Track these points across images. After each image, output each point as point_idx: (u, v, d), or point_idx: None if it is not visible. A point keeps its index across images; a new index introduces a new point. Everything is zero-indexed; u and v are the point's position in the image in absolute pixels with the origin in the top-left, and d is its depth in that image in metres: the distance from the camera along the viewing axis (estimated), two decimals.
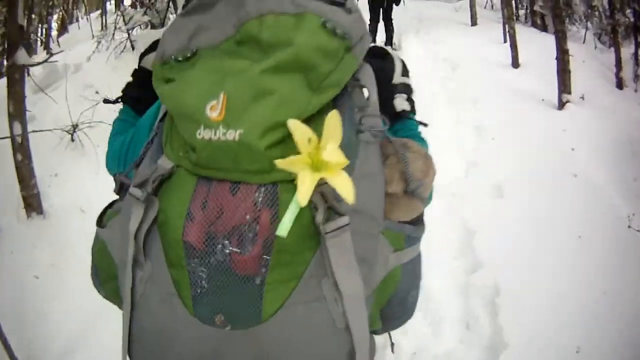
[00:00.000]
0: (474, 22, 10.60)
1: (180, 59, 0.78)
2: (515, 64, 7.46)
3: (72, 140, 4.32)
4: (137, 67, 1.20)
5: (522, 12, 12.30)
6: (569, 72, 5.99)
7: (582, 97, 6.09)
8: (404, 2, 9.23)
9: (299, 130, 0.71)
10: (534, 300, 2.80)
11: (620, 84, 7.65)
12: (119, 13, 6.33)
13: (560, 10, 6.47)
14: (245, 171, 0.74)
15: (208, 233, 0.75)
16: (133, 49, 5.92)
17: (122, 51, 5.92)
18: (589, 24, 12.11)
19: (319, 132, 0.72)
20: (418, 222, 0.93)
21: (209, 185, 0.76)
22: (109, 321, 2.69)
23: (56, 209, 3.64)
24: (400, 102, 1.07)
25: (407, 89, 1.09)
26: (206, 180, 0.76)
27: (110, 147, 1.11)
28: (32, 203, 3.47)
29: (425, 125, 1.07)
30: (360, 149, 0.80)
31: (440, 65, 7.35)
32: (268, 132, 0.72)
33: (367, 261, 0.80)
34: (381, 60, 1.09)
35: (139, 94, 1.17)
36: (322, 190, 0.73)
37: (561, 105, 5.84)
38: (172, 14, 5.98)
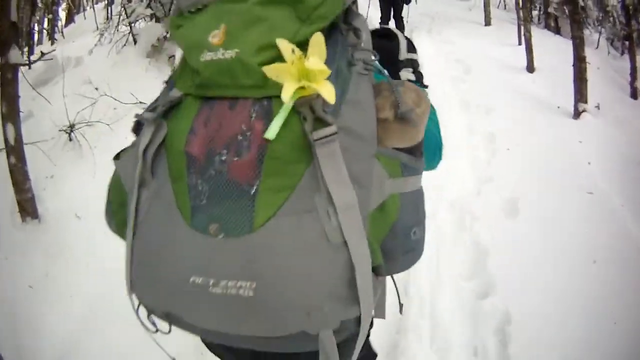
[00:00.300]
0: (487, 22, 10.53)
1: (192, 10, 0.94)
2: (530, 68, 7.41)
3: (70, 139, 4.26)
4: None
5: (534, 13, 12.24)
6: (586, 80, 5.93)
7: (598, 107, 6.05)
8: (415, 0, 9.23)
9: (285, 45, 0.81)
10: (545, 332, 2.73)
11: (634, 94, 7.64)
12: (122, 5, 6.25)
13: (578, 15, 6.40)
14: (242, 86, 0.84)
15: (208, 147, 0.84)
16: (135, 42, 5.86)
17: (124, 45, 5.86)
18: (601, 29, 12.06)
19: (303, 50, 0.82)
20: (415, 153, 0.95)
21: (211, 105, 0.87)
22: (100, 330, 2.70)
23: (52, 213, 3.58)
24: (405, 74, 1.23)
25: (413, 64, 1.25)
26: (209, 102, 0.88)
27: None
28: (27, 207, 3.40)
29: (426, 86, 1.22)
30: (352, 80, 0.89)
31: (453, 65, 7.25)
32: (261, 51, 0.83)
33: (360, 182, 0.84)
34: (387, 40, 1.25)
35: None
36: (311, 103, 0.81)
37: (577, 114, 5.79)
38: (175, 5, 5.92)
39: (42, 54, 3.87)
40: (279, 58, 0.82)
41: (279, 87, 0.80)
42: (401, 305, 1.18)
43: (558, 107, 6.01)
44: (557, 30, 12.36)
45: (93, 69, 5.43)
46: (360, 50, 0.92)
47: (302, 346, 0.93)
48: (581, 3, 6.47)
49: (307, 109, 0.81)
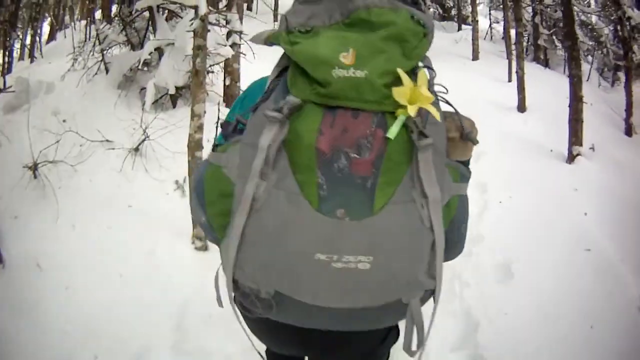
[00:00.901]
0: (475, 57, 10.68)
1: (302, 30, 1.12)
2: (522, 107, 7.46)
3: (35, 177, 4.22)
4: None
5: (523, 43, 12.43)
6: (582, 121, 5.93)
7: (592, 148, 6.07)
8: None
9: (404, 75, 1.07)
10: None
11: (629, 131, 7.65)
12: (95, 30, 6.23)
13: (577, 52, 6.35)
14: (365, 100, 1.06)
15: (334, 145, 1.04)
16: (107, 71, 5.84)
17: (96, 73, 5.83)
18: (593, 59, 12.26)
19: (413, 79, 1.08)
20: (467, 165, 1.32)
21: (333, 113, 1.06)
22: None
23: (15, 259, 3.56)
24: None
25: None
26: (331, 110, 1.06)
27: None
28: None
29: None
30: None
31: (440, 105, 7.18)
32: (384, 75, 1.07)
33: (439, 183, 1.10)
34: None
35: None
36: (416, 121, 1.05)
37: (571, 158, 5.80)
38: (151, 33, 5.88)
39: (4, 88, 3.84)
40: (396, 82, 1.07)
41: (392, 104, 1.06)
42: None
43: (551, 151, 6.03)
44: (545, 63, 12.56)
45: (63, 97, 5.43)
46: (435, 84, 1.18)
47: (382, 320, 1.27)
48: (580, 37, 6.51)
49: (414, 124, 1.06)
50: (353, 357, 1.58)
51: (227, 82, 6.21)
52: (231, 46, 5.87)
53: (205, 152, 4.15)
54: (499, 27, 17.07)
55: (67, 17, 15.29)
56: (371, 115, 1.07)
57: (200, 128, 3.75)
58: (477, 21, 11.26)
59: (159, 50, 5.69)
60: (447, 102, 1.22)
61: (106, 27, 6.26)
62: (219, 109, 4.54)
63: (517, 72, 7.75)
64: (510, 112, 7.37)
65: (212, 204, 1.22)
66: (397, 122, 1.05)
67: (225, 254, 1.16)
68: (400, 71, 1.07)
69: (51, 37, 13.43)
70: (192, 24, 3.69)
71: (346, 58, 1.07)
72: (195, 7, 3.66)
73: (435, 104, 1.13)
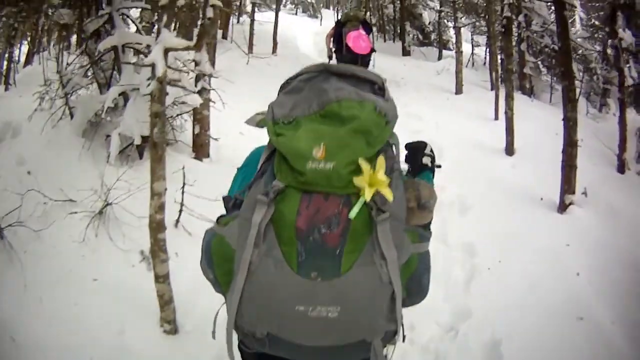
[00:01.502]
0: (458, 90, 10.67)
1: (285, 122, 1.46)
2: (510, 150, 7.42)
3: (1, 237, 4.08)
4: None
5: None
6: (576, 167, 5.88)
7: (585, 193, 6.07)
8: (373, 63, 9.50)
9: (363, 164, 1.38)
10: None
11: (622, 167, 7.63)
12: (58, 72, 6.04)
13: (574, 92, 6.23)
14: (333, 186, 1.38)
15: (310, 222, 1.38)
16: (72, 116, 5.67)
17: (61, 118, 5.66)
18: (582, 84, 12.34)
19: (373, 166, 1.39)
20: (426, 227, 1.64)
21: (309, 196, 1.40)
22: None
23: None
24: (425, 159, 1.93)
25: (432, 155, 1.95)
26: (307, 194, 1.40)
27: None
28: None
29: (439, 166, 1.98)
30: (393, 182, 1.45)
31: None
32: (348, 165, 1.38)
33: (398, 246, 1.43)
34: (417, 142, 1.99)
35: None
36: (375, 199, 1.38)
37: (563, 207, 5.77)
38: (118, 74, 5.74)
39: None
40: (358, 170, 1.38)
41: (355, 188, 1.38)
42: (404, 337, 1.68)
43: (541, 199, 5.99)
44: (531, 91, 12.64)
45: (28, 143, 5.28)
46: (396, 162, 1.54)
47: (352, 356, 1.52)
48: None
49: (373, 202, 1.39)
50: None
51: (197, 131, 6.10)
52: (200, 92, 5.78)
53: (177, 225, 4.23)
54: (480, 51, 17.27)
55: (44, 39, 14.96)
56: (339, 197, 1.42)
57: (161, 208, 3.55)
58: (462, 52, 11.21)
59: (125, 95, 5.56)
60: (407, 172, 1.85)
61: (72, 64, 6.07)
62: (184, 176, 4.48)
63: (505, 112, 7.66)
64: (497, 155, 7.32)
65: (219, 265, 1.62)
66: (357, 204, 1.39)
67: (229, 304, 1.51)
68: (360, 161, 1.41)
69: (28, 61, 13.15)
70: (149, 84, 3.53)
71: (318, 152, 1.40)
72: (152, 66, 3.40)
73: (395, 180, 1.49)
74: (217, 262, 1.61)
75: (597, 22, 14.06)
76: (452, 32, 20.33)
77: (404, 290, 1.53)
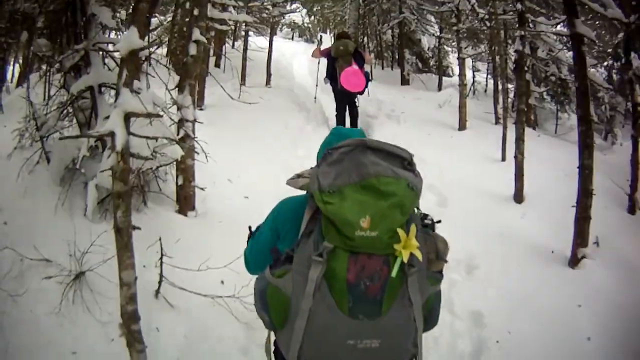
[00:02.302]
0: (462, 126, 10.35)
1: (331, 191, 1.82)
2: (519, 197, 7.12)
3: None
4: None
5: (509, 100, 12.16)
6: (589, 219, 5.62)
7: (597, 243, 5.84)
8: (368, 92, 10.66)
9: (401, 233, 1.81)
10: None
11: (632, 208, 7.34)
12: (32, 114, 5.70)
13: (591, 138, 5.78)
14: (376, 249, 1.81)
15: (357, 277, 1.82)
16: (48, 161, 5.38)
17: (38, 162, 5.39)
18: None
19: (406, 231, 1.83)
20: (441, 272, 2.16)
21: (356, 256, 1.82)
22: None
23: None
24: (426, 222, 2.22)
25: (432, 220, 2.22)
26: (354, 254, 1.81)
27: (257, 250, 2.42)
28: None
29: (439, 221, 2.27)
30: (418, 237, 1.87)
31: (425, 195, 6.77)
32: (388, 232, 1.80)
33: (421, 290, 1.93)
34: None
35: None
36: (409, 259, 1.83)
37: (575, 262, 5.51)
38: (95, 118, 5.42)
39: None
40: (396, 236, 1.80)
41: (392, 249, 1.81)
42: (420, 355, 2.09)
43: (552, 252, 5.76)
44: (535, 124, 12.42)
45: (5, 190, 5.04)
46: (420, 224, 1.97)
47: None
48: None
49: (407, 262, 1.81)
50: None
51: (180, 182, 5.75)
52: (181, 140, 5.49)
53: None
54: (481, 77, 17.04)
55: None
56: (379, 257, 1.82)
57: (132, 299, 3.22)
58: (465, 85, 10.89)
59: (103, 141, 5.27)
60: (426, 225, 2.15)
61: (52, 101, 5.75)
62: (161, 248, 4.17)
63: (515, 156, 7.29)
64: (506, 203, 7.03)
65: (275, 309, 1.98)
66: (396, 265, 1.80)
67: (286, 344, 1.92)
68: (399, 230, 1.80)
69: (20, 82, 12.81)
70: (109, 154, 3.15)
71: (364, 223, 1.75)
72: (111, 135, 3.03)
73: (419, 238, 1.87)
74: (273, 306, 1.99)
75: (602, 48, 13.96)
76: (451, 57, 20.27)
77: (423, 322, 2.00)
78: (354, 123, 10.14)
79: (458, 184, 7.27)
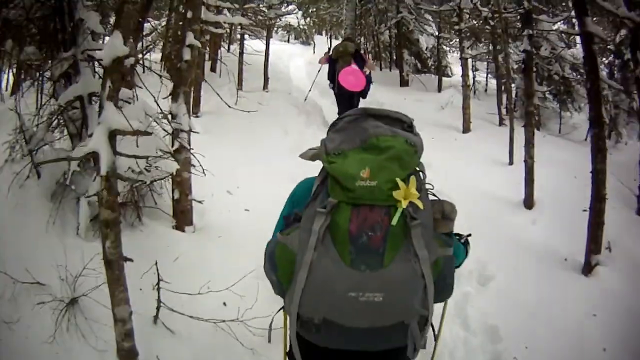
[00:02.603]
0: (466, 128, 10.19)
1: (336, 153, 1.97)
2: (529, 202, 6.92)
3: None
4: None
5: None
6: (603, 224, 5.45)
7: (609, 248, 5.71)
8: (367, 95, 10.76)
9: (399, 182, 1.88)
10: None
11: None
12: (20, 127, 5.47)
13: (604, 141, 5.60)
14: (377, 199, 1.87)
15: (359, 228, 1.86)
16: (39, 176, 5.16)
17: (28, 176, 5.18)
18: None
19: (406, 184, 1.89)
20: (450, 235, 2.16)
21: (358, 208, 1.88)
22: None
23: None
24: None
25: (461, 236, 2.55)
26: (356, 206, 1.88)
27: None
28: None
29: (469, 235, 2.61)
30: (422, 196, 1.93)
31: None
32: (387, 183, 1.88)
33: (427, 247, 1.89)
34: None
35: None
36: (408, 209, 1.86)
37: (589, 269, 5.36)
38: (85, 129, 5.21)
39: None
40: (395, 187, 1.88)
41: (393, 201, 1.87)
42: (436, 337, 2.48)
43: (565, 260, 5.61)
44: (539, 124, 12.18)
45: None
46: (424, 184, 2.04)
47: (396, 340, 1.98)
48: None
49: (407, 212, 1.87)
50: None
51: (176, 195, 5.52)
52: (176, 152, 5.26)
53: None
54: (480, 76, 16.83)
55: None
56: (381, 209, 1.89)
57: (128, 335, 3.01)
58: (469, 86, 10.74)
59: (95, 155, 5.06)
60: (434, 195, 2.12)
61: (43, 111, 5.53)
62: (157, 272, 3.98)
63: (525, 160, 7.06)
64: (516, 209, 6.85)
65: (282, 267, 2.05)
66: (397, 213, 1.86)
67: (290, 298, 1.95)
68: (397, 180, 1.89)
69: (14, 91, 12.57)
70: (94, 177, 2.88)
71: (364, 173, 1.88)
72: (92, 158, 2.87)
73: (423, 197, 1.95)
74: (280, 265, 2.05)
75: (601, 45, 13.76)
76: (449, 57, 20.08)
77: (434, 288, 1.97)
78: None
79: (465, 190, 7.08)
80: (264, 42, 14.11)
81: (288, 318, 2.08)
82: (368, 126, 2.00)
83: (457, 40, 19.62)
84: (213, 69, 14.98)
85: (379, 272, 1.84)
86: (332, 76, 10.10)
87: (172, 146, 5.29)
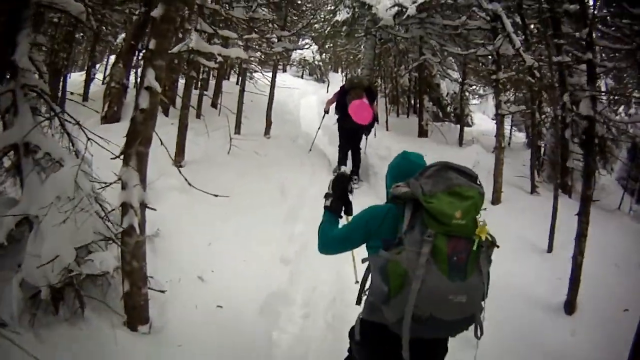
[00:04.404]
0: (496, 199, 8.86)
1: (430, 194, 2.76)
2: (571, 307, 5.66)
3: None
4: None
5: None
6: None
7: None
8: (374, 133, 11.00)
9: (479, 222, 2.84)
10: None
11: None
12: None
13: None
14: (465, 234, 2.76)
15: (452, 252, 2.73)
16: None
17: None
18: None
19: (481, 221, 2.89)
20: (491, 257, 2.96)
21: (450, 238, 2.73)
22: None
23: None
24: None
25: None
26: (449, 237, 2.73)
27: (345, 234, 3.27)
28: None
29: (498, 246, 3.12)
30: None
31: None
32: (472, 222, 2.80)
33: (485, 265, 2.84)
34: None
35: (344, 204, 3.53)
36: (482, 240, 2.81)
37: None
38: (21, 186, 4.09)
39: None
40: (476, 224, 2.77)
41: (475, 235, 2.74)
42: (482, 331, 3.00)
43: None
44: (570, 192, 10.70)
45: None
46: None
47: (462, 328, 2.91)
48: None
49: (481, 242, 2.77)
50: (440, 357, 3.22)
51: (127, 288, 4.27)
52: (124, 235, 4.15)
53: None
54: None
55: None
56: (466, 239, 2.71)
57: None
58: (503, 148, 9.38)
59: (29, 221, 4.09)
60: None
61: None
62: None
63: (574, 257, 5.74)
64: (553, 314, 5.62)
65: (394, 279, 2.74)
66: (476, 242, 2.71)
67: (401, 303, 2.70)
68: (479, 220, 2.77)
69: None
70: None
71: (458, 214, 2.65)
72: None
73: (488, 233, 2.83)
74: (392, 276, 2.76)
75: None
76: (470, 105, 18.93)
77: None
78: (354, 171, 10.25)
79: (494, 285, 5.80)
80: (278, 73, 12.80)
81: (402, 317, 2.75)
82: (451, 176, 2.85)
83: (480, 86, 18.72)
84: (214, 104, 13.93)
85: (465, 282, 2.75)
86: (342, 108, 10.17)
87: (121, 224, 4.11)
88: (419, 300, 2.68)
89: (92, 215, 3.98)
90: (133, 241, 4.14)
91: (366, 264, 3.19)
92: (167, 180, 6.71)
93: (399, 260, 2.74)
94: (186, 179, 4.89)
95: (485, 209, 2.88)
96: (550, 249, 6.82)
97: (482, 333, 2.95)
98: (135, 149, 4.13)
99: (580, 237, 5.76)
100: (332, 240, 3.29)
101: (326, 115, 11.27)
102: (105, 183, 4.36)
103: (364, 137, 10.39)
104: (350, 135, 10.13)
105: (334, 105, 10.54)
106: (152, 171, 4.93)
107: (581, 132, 11.82)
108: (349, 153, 10.33)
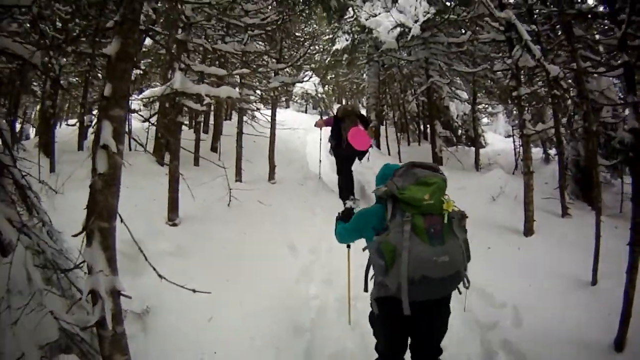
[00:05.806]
0: (528, 229, 8.06)
1: (403, 187, 3.83)
2: (620, 345, 4.98)
3: None
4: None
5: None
6: None
7: None
8: (367, 158, 11.82)
9: (445, 199, 3.89)
10: None
11: None
12: None
13: None
14: (435, 210, 3.79)
15: (429, 225, 3.74)
16: None
17: None
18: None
19: (447, 200, 3.95)
20: (465, 226, 4.03)
21: (424, 216, 3.74)
22: None
23: None
24: None
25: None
26: (424, 215, 3.74)
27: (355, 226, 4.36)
28: None
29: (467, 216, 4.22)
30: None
31: None
32: (438, 201, 3.84)
33: (459, 232, 3.86)
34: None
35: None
36: (450, 213, 3.86)
37: None
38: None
39: None
40: (442, 202, 3.80)
41: (443, 210, 3.77)
42: (469, 282, 3.93)
43: None
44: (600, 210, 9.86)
45: None
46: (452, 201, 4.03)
47: (453, 286, 3.91)
48: None
49: (449, 214, 3.81)
50: (444, 317, 4.06)
51: None
52: (99, 326, 3.51)
53: None
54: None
55: None
56: (437, 216, 3.72)
57: None
58: (532, 172, 8.51)
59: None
60: (456, 206, 3.88)
61: None
62: None
63: (626, 291, 5.03)
64: (606, 353, 4.96)
65: (387, 254, 3.66)
66: (446, 215, 3.72)
67: (397, 271, 3.62)
68: (445, 198, 3.79)
69: None
70: None
71: (427, 197, 3.67)
72: None
73: (454, 207, 3.85)
74: (386, 252, 3.65)
75: None
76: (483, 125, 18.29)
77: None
78: (352, 192, 10.90)
79: (542, 334, 5.15)
80: (281, 109, 12.16)
81: (399, 282, 3.61)
82: (417, 172, 3.83)
83: (492, 104, 18.05)
84: (214, 149, 13.39)
85: (444, 246, 3.66)
86: (337, 135, 10.72)
87: (94, 314, 3.46)
88: (410, 265, 3.60)
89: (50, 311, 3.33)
90: (109, 334, 3.46)
91: (365, 265, 4.27)
92: (159, 244, 6.10)
93: (388, 239, 3.73)
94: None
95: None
96: (594, 281, 6.12)
97: (469, 283, 3.87)
98: (96, 225, 3.41)
99: (632, 269, 5.09)
100: (344, 230, 4.44)
101: (321, 142, 12.60)
102: (74, 265, 3.76)
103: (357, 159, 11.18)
104: (350, 158, 10.98)
105: (327, 128, 11.30)
106: (143, 231, 4.66)
107: (606, 143, 11.28)
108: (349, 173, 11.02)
